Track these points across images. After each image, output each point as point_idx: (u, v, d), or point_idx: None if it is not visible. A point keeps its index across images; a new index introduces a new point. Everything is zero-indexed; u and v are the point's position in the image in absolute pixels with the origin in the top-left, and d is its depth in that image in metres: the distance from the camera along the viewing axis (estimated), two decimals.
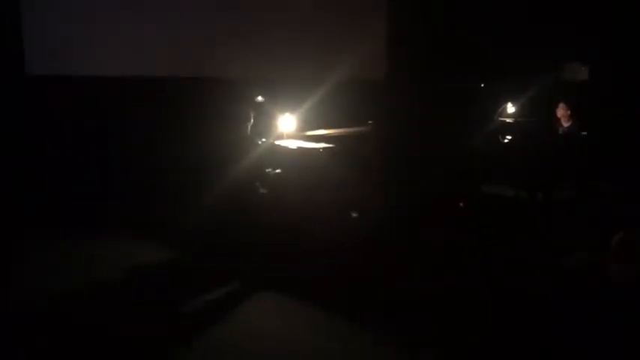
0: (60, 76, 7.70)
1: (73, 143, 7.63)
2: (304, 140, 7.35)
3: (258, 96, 7.62)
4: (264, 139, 7.24)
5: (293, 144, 7.17)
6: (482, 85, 10.25)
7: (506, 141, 8.83)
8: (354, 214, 7.12)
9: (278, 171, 7.05)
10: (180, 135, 7.74)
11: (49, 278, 5.83)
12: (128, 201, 7.49)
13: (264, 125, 7.40)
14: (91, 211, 7.36)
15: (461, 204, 7.65)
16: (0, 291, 5.53)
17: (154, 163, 7.72)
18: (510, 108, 9.47)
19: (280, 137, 7.41)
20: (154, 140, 7.73)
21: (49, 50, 7.76)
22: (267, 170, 6.99)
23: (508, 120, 9.33)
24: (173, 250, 6.71)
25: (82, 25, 7.85)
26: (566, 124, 8.80)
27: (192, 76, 8.11)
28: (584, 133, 8.65)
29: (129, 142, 7.70)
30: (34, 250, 6.59)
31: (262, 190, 7.04)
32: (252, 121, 6.79)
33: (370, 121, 7.98)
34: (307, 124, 7.71)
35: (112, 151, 7.75)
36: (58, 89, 7.61)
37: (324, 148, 7.04)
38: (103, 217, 7.33)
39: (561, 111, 8.81)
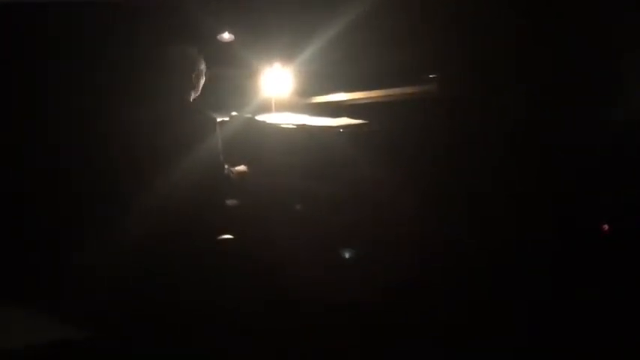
0: None
1: None
2: (310, 114, 4.16)
3: (223, 32, 4.17)
4: (233, 113, 3.97)
5: (288, 120, 4.01)
6: None
7: None
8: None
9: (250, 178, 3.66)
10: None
11: None
12: None
13: (232, 86, 4.11)
14: None
15: (605, 227, 4.28)
16: None
17: None
18: None
19: (264, 109, 4.14)
20: None
21: None
22: (230, 173, 3.61)
23: None
24: None
25: None
26: None
27: None
28: None
29: None
30: None
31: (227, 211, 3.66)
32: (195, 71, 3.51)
33: (433, 77, 4.19)
34: (316, 83, 4.27)
35: None
36: None
37: (345, 128, 3.93)
38: None
39: None
